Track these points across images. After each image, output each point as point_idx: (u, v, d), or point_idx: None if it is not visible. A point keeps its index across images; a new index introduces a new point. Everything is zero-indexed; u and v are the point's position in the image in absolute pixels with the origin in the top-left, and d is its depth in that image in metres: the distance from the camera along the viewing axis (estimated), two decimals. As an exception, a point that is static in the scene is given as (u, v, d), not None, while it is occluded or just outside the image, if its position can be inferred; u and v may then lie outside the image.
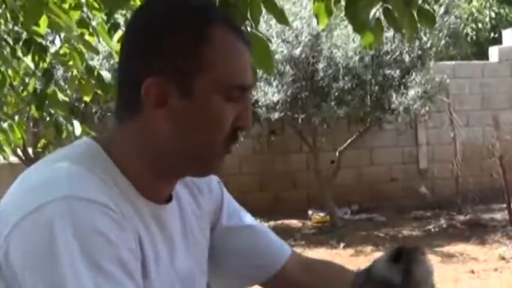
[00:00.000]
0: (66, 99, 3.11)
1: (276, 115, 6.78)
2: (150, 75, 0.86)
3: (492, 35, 11.89)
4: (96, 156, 0.88)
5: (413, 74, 6.73)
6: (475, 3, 12.53)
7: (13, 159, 6.11)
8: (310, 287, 1.17)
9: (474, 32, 12.31)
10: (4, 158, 3.68)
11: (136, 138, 0.90)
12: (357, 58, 6.63)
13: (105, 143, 0.91)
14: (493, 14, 12.35)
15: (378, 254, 4.32)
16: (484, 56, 9.24)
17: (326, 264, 1.28)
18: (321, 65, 6.60)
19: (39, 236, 0.76)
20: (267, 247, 1.14)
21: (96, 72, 2.94)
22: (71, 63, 2.93)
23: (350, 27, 6.59)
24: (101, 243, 0.77)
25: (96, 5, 2.69)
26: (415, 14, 2.18)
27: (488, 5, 12.52)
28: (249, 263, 1.13)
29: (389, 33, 6.06)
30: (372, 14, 2.24)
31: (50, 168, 0.85)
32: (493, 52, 8.99)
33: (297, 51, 6.57)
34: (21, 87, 3.28)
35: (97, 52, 2.99)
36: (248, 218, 1.16)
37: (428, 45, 6.83)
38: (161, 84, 0.86)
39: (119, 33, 2.68)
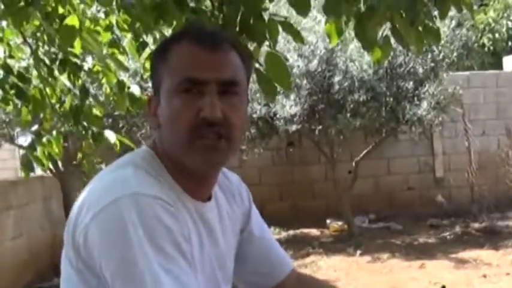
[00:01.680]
0: (100, 114, 3.36)
1: (293, 127, 6.99)
2: (150, 94, 1.16)
3: (510, 44, 11.97)
4: (151, 161, 1.11)
5: (427, 85, 6.90)
6: (491, 13, 12.63)
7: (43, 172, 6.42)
8: None
9: (491, 42, 12.39)
10: (43, 170, 3.91)
11: (159, 143, 1.14)
12: (371, 71, 6.82)
13: (154, 148, 1.14)
14: (510, 24, 12.41)
15: (394, 261, 4.59)
16: (502, 65, 9.37)
17: (319, 282, 1.52)
18: (336, 78, 6.80)
19: (113, 224, 0.97)
20: (275, 258, 1.33)
21: (126, 88, 3.20)
22: (103, 80, 3.19)
23: (364, 42, 6.82)
24: (161, 229, 0.97)
25: (126, 27, 2.95)
26: (421, 30, 2.38)
27: (505, 15, 12.59)
28: (257, 270, 1.32)
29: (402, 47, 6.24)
30: (380, 32, 2.44)
31: (119, 171, 1.08)
32: (508, 62, 9.13)
33: (313, 65, 6.78)
34: (58, 104, 3.54)
35: (127, 69, 3.25)
36: (266, 228, 1.35)
37: (441, 57, 7.01)
38: (151, 99, 1.15)
39: (147, 51, 2.93)
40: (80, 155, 4.21)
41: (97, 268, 0.99)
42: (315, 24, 6.84)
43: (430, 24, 2.39)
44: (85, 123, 3.20)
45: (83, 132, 3.17)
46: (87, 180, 1.19)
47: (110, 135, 3.14)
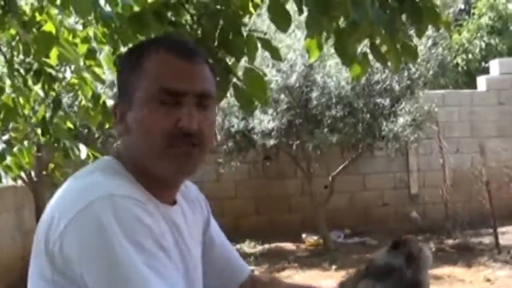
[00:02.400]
0: (72, 126, 3.33)
1: (271, 142, 7.02)
2: (117, 102, 1.14)
3: (483, 64, 12.20)
4: (116, 168, 1.10)
5: (403, 102, 6.99)
6: (465, 34, 12.87)
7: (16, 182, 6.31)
8: None
9: (464, 62, 12.61)
10: (13, 179, 3.87)
11: (125, 152, 1.13)
12: (348, 87, 6.90)
13: (118, 157, 1.13)
14: (483, 45, 12.65)
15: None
16: (475, 85, 9.55)
17: (276, 283, 1.53)
18: (314, 94, 6.86)
19: (91, 228, 0.95)
20: (235, 262, 1.37)
21: (101, 101, 3.17)
22: (79, 92, 3.16)
23: (342, 58, 6.88)
24: (140, 228, 0.97)
25: (103, 39, 2.93)
26: (399, 48, 2.41)
27: (478, 35, 12.84)
28: (219, 274, 1.33)
29: (379, 64, 6.31)
30: (359, 48, 2.46)
31: (87, 178, 1.06)
32: (481, 81, 9.30)
33: (292, 81, 6.83)
34: (31, 114, 3.49)
35: (103, 82, 3.22)
36: (222, 234, 1.38)
37: (417, 75, 7.11)
38: (118, 106, 1.13)
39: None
40: (51, 166, 4.15)
41: (77, 277, 0.96)
42: (295, 41, 6.89)
43: (408, 42, 2.42)
44: (55, 136, 3.16)
45: (54, 144, 3.13)
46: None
47: (82, 149, 3.12)
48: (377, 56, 2.42)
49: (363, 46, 2.45)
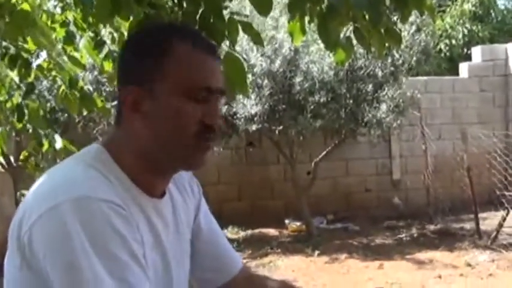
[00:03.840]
0: (47, 113, 3.25)
1: (254, 127, 6.98)
2: (126, 86, 1.08)
3: (465, 51, 12.26)
4: (103, 159, 1.07)
5: (386, 88, 6.99)
6: (448, 19, 12.90)
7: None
8: None
9: (448, 48, 12.65)
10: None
11: (126, 140, 1.09)
12: (332, 73, 6.87)
13: (108, 146, 1.10)
14: (465, 31, 12.70)
15: (352, 261, 4.65)
16: (458, 71, 9.59)
17: (268, 280, 1.48)
18: (297, 79, 6.82)
19: (55, 228, 0.94)
20: (225, 254, 1.33)
21: (79, 86, 3.10)
22: (57, 77, 3.09)
23: (325, 43, 6.85)
24: (108, 232, 0.95)
25: (84, 25, 2.87)
26: (383, 33, 2.38)
27: (461, 21, 12.87)
28: (207, 266, 1.30)
29: (362, 49, 6.30)
30: (343, 33, 2.43)
31: (69, 171, 1.04)
32: (463, 68, 9.34)
33: (275, 66, 6.78)
34: (6, 100, 3.41)
35: (82, 67, 3.15)
36: (215, 224, 1.34)
37: (400, 61, 7.11)
38: (133, 93, 1.07)
39: (106, 49, 2.86)
40: (24, 154, 4.06)
41: (43, 272, 0.96)
42: (280, 24, 6.84)
43: (393, 27, 2.40)
44: (30, 123, 3.10)
45: (28, 131, 3.06)
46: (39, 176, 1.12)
47: (57, 140, 3.05)
48: (360, 41, 2.39)
49: (347, 31, 2.43)
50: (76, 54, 3.07)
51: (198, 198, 1.30)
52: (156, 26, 1.21)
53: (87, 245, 0.92)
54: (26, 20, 2.53)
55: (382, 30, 2.34)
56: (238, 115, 6.96)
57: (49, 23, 2.92)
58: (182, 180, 1.25)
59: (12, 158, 6.51)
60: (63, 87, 3.04)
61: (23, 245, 0.97)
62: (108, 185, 1.02)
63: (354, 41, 2.40)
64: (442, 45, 12.60)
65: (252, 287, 1.35)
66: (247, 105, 6.84)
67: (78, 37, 3.06)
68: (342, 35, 2.44)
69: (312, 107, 6.84)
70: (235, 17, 1.91)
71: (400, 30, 2.48)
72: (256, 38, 2.02)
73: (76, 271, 0.92)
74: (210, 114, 1.07)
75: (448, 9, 13.23)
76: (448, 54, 12.60)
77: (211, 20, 1.87)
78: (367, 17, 2.20)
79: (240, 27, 1.94)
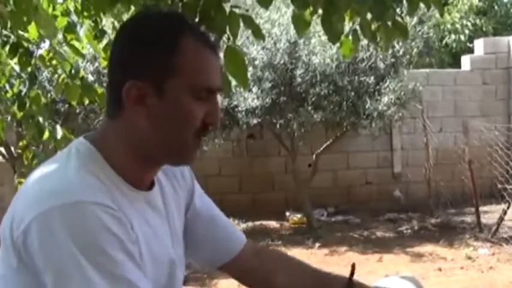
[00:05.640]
0: (47, 103, 3.24)
1: (255, 120, 6.97)
2: (130, 79, 1.04)
3: (469, 45, 12.18)
4: (93, 158, 1.05)
5: (387, 81, 6.97)
6: (455, 14, 12.81)
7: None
8: (262, 272, 1.33)
9: (455, 43, 12.56)
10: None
11: (122, 133, 1.07)
12: (333, 65, 6.84)
13: (96, 140, 1.08)
14: (470, 26, 12.61)
15: (352, 254, 4.64)
16: (460, 65, 9.55)
17: (275, 252, 1.47)
18: (298, 72, 6.80)
19: (46, 235, 0.93)
20: (225, 232, 1.31)
21: (80, 75, 3.09)
22: (58, 66, 3.07)
23: (327, 35, 6.82)
24: (103, 235, 0.94)
25: (86, 13, 2.84)
26: (390, 26, 2.36)
27: (467, 16, 12.77)
28: (209, 246, 1.29)
29: (364, 41, 6.28)
30: (348, 26, 2.41)
31: (60, 169, 1.02)
32: (465, 61, 9.30)
33: (276, 58, 6.76)
34: (7, 89, 3.40)
35: (83, 56, 3.14)
36: (212, 205, 1.32)
37: (401, 53, 7.08)
38: (139, 87, 1.03)
39: (107, 38, 2.84)
40: (23, 143, 4.04)
41: (39, 273, 0.95)
42: (280, 16, 6.81)
43: (399, 20, 2.38)
44: (31, 112, 3.08)
45: (29, 120, 3.05)
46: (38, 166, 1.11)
47: (58, 130, 3.04)
48: (366, 34, 2.37)
49: (353, 24, 2.41)
50: (77, 44, 3.05)
51: (190, 183, 1.28)
52: (162, 17, 1.13)
53: (76, 251, 0.91)
54: (28, 7, 2.51)
55: (389, 23, 2.32)
56: (239, 108, 6.94)
57: (50, 10, 2.89)
58: (173, 169, 1.23)
59: (12, 148, 6.51)
60: (63, 75, 3.02)
61: (18, 247, 0.96)
62: (100, 186, 1.00)
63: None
64: (448, 40, 12.51)
65: (259, 260, 1.34)
66: (248, 98, 6.83)
67: (78, 26, 3.04)
68: (347, 28, 2.42)
69: (313, 99, 6.83)
70: (236, 10, 1.88)
71: (406, 23, 2.45)
72: (257, 32, 2.00)
73: (65, 278, 0.92)
74: (213, 113, 1.07)
75: (455, 3, 13.10)
76: (453, 49, 12.49)
77: (212, 13, 1.85)
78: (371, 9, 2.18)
79: (241, 21, 1.92)
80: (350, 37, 2.42)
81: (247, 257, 1.32)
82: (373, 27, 2.37)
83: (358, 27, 2.38)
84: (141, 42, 1.05)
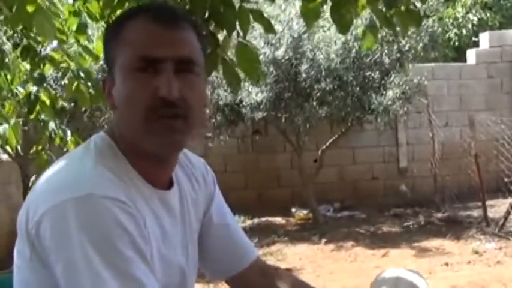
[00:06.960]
0: (57, 103, 3.24)
1: (259, 115, 6.96)
2: (107, 76, 1.09)
3: (474, 39, 12.10)
4: (109, 151, 1.05)
5: (393, 75, 6.95)
6: (459, 9, 12.72)
7: (2, 156, 6.24)
8: None
9: (457, 37, 12.48)
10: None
11: (116, 128, 1.09)
12: (338, 60, 6.82)
13: (111, 134, 1.08)
14: (475, 20, 12.51)
15: (358, 249, 4.62)
16: (465, 60, 9.50)
17: (283, 274, 1.44)
18: (303, 67, 6.78)
19: (58, 227, 0.94)
20: (237, 246, 1.30)
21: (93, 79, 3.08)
22: (69, 68, 3.06)
23: (332, 30, 6.79)
24: (114, 229, 0.93)
25: (97, 15, 2.83)
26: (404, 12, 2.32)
27: (473, 11, 12.67)
28: (218, 257, 1.28)
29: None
30: (364, 17, 2.36)
31: (77, 165, 1.02)
32: (471, 55, 9.26)
33: (280, 53, 6.74)
34: (19, 91, 3.40)
35: (96, 58, 3.10)
36: (229, 215, 1.31)
37: (407, 48, 7.05)
38: (105, 80, 1.09)
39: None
40: (38, 147, 4.05)
41: (51, 264, 0.95)
42: (281, 12, 6.79)
43: (412, 7, 2.35)
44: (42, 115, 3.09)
45: (41, 123, 3.05)
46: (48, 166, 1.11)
47: (68, 134, 3.05)
48: (383, 21, 2.32)
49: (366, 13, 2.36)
50: (89, 46, 3.04)
51: (211, 189, 1.27)
52: (127, 11, 1.18)
53: (87, 245, 0.91)
54: (31, 7, 2.50)
55: (403, 9, 2.28)
56: (244, 103, 6.93)
57: (66, 12, 2.88)
58: (194, 171, 1.22)
59: (19, 148, 6.52)
60: (71, 76, 3.01)
61: (31, 237, 0.97)
62: (116, 181, 1.00)
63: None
64: (452, 34, 12.43)
65: (264, 280, 1.33)
66: (253, 93, 6.81)
67: (91, 28, 3.04)
68: (363, 20, 2.37)
69: (318, 94, 6.82)
70: (245, 5, 1.87)
71: (419, 10, 2.42)
72: (268, 27, 1.98)
73: (75, 271, 0.92)
74: (162, 85, 0.99)
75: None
76: (457, 43, 12.41)
77: (221, 9, 1.83)
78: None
79: (250, 17, 1.90)
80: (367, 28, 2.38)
81: (253, 274, 1.31)
82: (388, 15, 2.33)
83: (374, 17, 2.34)
84: (105, 40, 1.10)
